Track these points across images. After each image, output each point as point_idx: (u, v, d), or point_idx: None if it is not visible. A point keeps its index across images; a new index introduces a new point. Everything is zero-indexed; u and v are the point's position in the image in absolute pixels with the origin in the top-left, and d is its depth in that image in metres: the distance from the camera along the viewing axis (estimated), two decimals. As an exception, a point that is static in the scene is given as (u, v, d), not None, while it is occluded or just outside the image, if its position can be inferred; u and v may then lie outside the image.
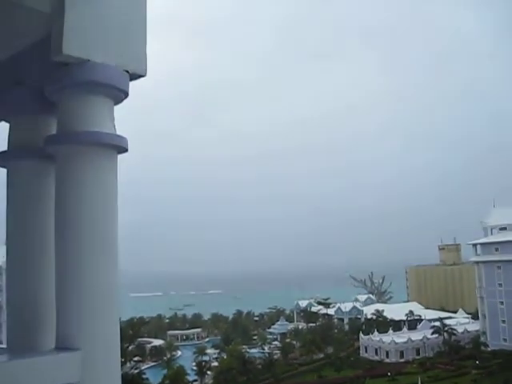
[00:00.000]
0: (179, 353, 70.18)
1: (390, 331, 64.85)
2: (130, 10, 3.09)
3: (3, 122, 3.71)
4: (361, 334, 65.42)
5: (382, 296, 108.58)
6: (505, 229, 63.85)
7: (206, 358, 61.31)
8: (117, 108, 3.17)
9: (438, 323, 63.86)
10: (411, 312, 77.03)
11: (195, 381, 56.18)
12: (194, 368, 57.65)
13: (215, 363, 58.28)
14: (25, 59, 3.36)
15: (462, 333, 64.12)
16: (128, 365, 50.57)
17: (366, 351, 63.92)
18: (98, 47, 2.97)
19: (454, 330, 62.53)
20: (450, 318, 72.91)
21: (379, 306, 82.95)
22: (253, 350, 65.60)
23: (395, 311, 78.08)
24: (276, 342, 72.53)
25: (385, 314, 75.84)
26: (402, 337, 62.77)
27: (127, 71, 3.06)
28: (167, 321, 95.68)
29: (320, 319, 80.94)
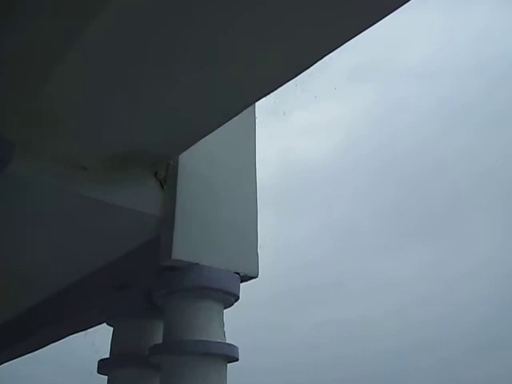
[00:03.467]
0: None
1: None
2: (241, 213, 3.15)
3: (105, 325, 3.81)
4: None
5: None
6: None
7: None
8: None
9: None
10: None
11: None
12: None
13: None
14: (129, 262, 3.42)
15: None
16: None
17: None
18: (206, 250, 2.97)
19: None
20: None
21: None
22: None
23: None
24: None
25: None
26: None
27: (238, 273, 3.03)
28: None
29: None
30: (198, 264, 2.94)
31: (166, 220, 2.98)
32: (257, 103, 2.96)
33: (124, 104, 2.59)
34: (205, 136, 2.81)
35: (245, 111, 2.74)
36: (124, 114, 2.66)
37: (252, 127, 3.33)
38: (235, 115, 2.70)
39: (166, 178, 3.06)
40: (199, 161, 3.10)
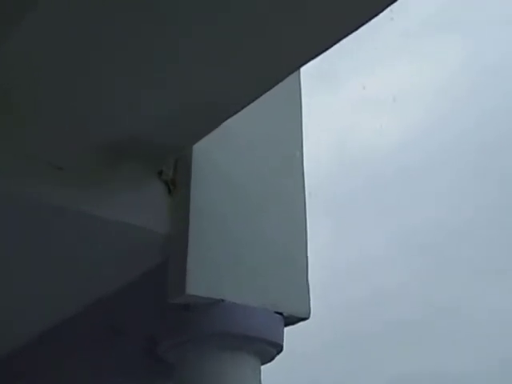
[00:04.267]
0: None
1: None
2: (283, 226, 3.16)
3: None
4: None
5: None
6: None
7: None
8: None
9: None
10: None
11: None
12: None
13: None
14: (125, 299, 3.49)
15: None
16: None
17: None
18: (235, 281, 2.99)
19: None
20: None
21: None
22: None
23: None
24: None
25: None
26: None
27: (280, 313, 3.03)
28: None
29: None
30: (222, 301, 2.95)
31: (177, 238, 3.00)
32: (302, 68, 2.94)
33: (111, 76, 2.60)
34: (229, 117, 2.80)
35: (286, 80, 2.70)
36: (113, 92, 2.68)
37: (296, 102, 3.34)
38: (273, 86, 2.67)
39: (175, 180, 3.09)
40: (222, 153, 3.11)
